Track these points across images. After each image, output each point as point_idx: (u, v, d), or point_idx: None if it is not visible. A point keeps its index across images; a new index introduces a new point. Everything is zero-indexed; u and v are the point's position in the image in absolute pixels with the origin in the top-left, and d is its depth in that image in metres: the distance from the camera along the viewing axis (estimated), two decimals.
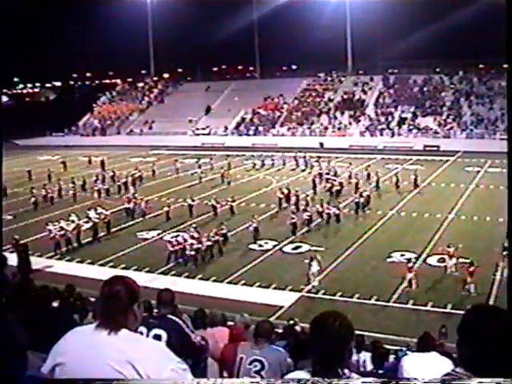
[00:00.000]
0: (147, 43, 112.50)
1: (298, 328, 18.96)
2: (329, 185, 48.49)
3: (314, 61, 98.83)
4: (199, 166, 59.49)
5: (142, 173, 57.43)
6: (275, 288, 29.00)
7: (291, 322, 20.05)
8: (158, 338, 5.79)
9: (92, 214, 41.44)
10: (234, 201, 43.56)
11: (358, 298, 27.14)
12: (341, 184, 47.98)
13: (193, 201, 43.40)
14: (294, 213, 38.94)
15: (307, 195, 45.09)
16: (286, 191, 45.00)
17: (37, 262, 33.45)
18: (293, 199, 43.47)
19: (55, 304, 9.28)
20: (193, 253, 33.01)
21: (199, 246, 33.34)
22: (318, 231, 38.12)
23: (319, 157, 61.27)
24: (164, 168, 63.14)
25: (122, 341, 3.57)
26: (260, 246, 35.43)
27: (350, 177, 50.64)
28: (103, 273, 31.35)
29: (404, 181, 50.07)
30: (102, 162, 64.75)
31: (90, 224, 39.13)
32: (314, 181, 49.38)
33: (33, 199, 48.17)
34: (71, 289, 15.23)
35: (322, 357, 3.69)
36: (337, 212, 39.63)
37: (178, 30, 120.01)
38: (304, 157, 61.54)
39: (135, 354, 3.50)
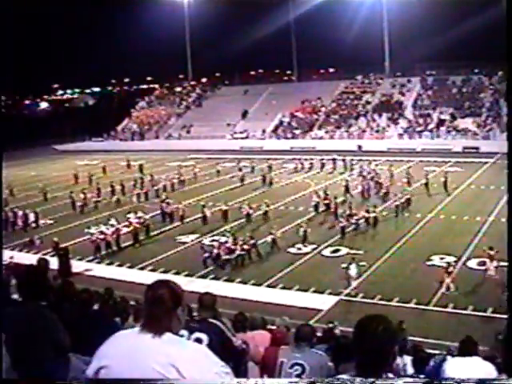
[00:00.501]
0: (185, 48, 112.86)
1: (337, 331, 18.90)
2: (374, 189, 48.50)
3: (352, 63, 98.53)
4: (239, 169, 59.81)
5: (183, 177, 57.68)
6: (314, 291, 28.96)
7: (330, 325, 19.99)
8: (199, 341, 5.82)
9: (132, 217, 41.83)
10: (268, 205, 43.49)
11: (398, 302, 26.98)
12: (387, 187, 47.74)
13: (227, 205, 43.48)
14: (343, 216, 38.57)
15: (345, 200, 44.98)
16: (322, 194, 44.77)
17: (77, 266, 33.84)
18: (332, 203, 43.21)
19: (96, 307, 9.35)
20: (227, 257, 33.12)
21: (234, 250, 33.44)
22: (358, 234, 37.97)
23: (359, 160, 61.04)
24: (204, 171, 63.42)
25: (166, 344, 3.63)
26: (299, 249, 35.40)
27: (390, 179, 50.41)
28: (142, 276, 31.65)
29: (442, 183, 49.60)
30: (141, 166, 65.31)
31: (130, 228, 39.46)
32: (362, 185, 49.21)
33: (78, 203, 48.90)
34: (110, 292, 15.35)
35: (366, 361, 3.70)
36: (375, 215, 39.45)
37: (215, 34, 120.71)
38: (343, 160, 61.46)
39: (179, 357, 3.55)
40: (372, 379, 3.44)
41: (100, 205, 49.69)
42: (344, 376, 3.81)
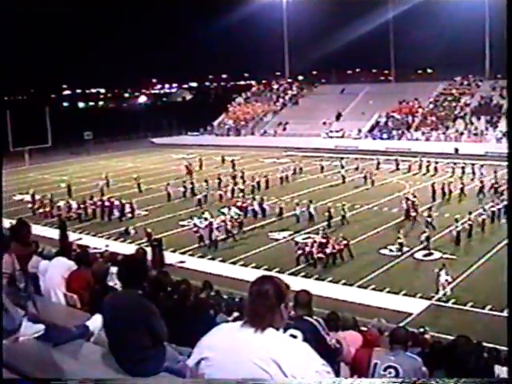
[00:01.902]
0: (282, 45, 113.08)
1: (427, 336, 18.65)
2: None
3: (450, 64, 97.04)
4: (342, 166, 60.11)
5: (282, 173, 57.80)
6: (405, 294, 28.66)
7: (421, 329, 19.73)
8: (293, 338, 5.84)
9: (226, 212, 42.24)
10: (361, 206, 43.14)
11: (490, 310, 26.38)
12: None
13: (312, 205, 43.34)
14: (457, 220, 37.69)
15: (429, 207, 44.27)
16: (411, 198, 43.54)
17: (169, 257, 34.37)
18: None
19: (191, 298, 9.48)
20: (320, 255, 33.09)
21: (327, 249, 33.40)
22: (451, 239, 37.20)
23: (454, 163, 60.02)
24: (305, 168, 63.63)
25: (268, 339, 3.64)
26: (391, 251, 35.06)
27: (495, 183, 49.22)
28: (234, 271, 31.99)
29: None
30: (233, 162, 65.84)
31: (223, 222, 39.82)
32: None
33: (178, 193, 50.92)
34: (209, 285, 15.53)
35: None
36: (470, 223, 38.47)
37: (313, 32, 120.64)
38: (436, 162, 60.69)
39: (281, 352, 3.57)
40: None
41: (194, 198, 50.28)
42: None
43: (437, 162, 60.94)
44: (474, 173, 54.62)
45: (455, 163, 59.38)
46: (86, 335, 6.02)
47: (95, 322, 6.14)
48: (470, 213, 38.71)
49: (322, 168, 63.15)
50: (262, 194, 49.60)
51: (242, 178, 55.72)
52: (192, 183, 53.00)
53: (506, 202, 42.25)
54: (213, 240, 37.59)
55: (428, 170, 60.00)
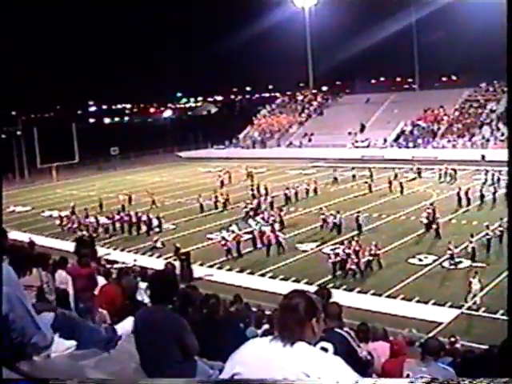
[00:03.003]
0: (306, 56, 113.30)
1: (458, 346, 18.53)
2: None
3: (475, 70, 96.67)
4: (370, 176, 60.50)
5: (307, 185, 57.41)
6: (434, 303, 28.48)
7: (452, 339, 19.59)
8: (324, 350, 5.79)
9: (252, 223, 42.29)
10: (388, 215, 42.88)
11: None
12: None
13: (334, 217, 42.99)
14: (488, 227, 36.87)
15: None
16: (430, 211, 42.48)
17: (197, 271, 34.41)
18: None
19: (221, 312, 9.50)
20: (353, 266, 32.97)
21: (358, 259, 33.28)
22: (481, 247, 36.81)
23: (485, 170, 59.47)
24: (327, 179, 63.45)
25: (298, 353, 3.63)
26: (420, 260, 34.88)
27: None
28: (264, 283, 32.01)
29: None
30: (250, 174, 66.49)
31: (250, 235, 39.87)
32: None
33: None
34: (239, 299, 15.59)
35: None
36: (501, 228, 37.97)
37: (335, 42, 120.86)
38: (463, 169, 60.40)
39: (312, 366, 3.56)
40: None
41: (223, 211, 50.60)
42: None
43: (464, 170, 60.64)
44: (498, 180, 53.94)
45: (486, 170, 58.51)
46: (114, 339, 6.06)
47: (125, 327, 6.19)
48: (502, 219, 38.24)
49: (350, 177, 62.98)
50: (293, 205, 49.75)
51: (264, 190, 55.80)
52: (227, 195, 53.03)
53: None
54: (241, 253, 37.66)
55: (455, 178, 59.52)
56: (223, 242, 38.33)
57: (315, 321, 3.79)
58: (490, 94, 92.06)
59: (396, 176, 59.29)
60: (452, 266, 33.47)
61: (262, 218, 43.95)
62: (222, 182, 63.46)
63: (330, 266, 33.26)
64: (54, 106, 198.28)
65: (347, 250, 33.97)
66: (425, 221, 41.26)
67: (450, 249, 34.31)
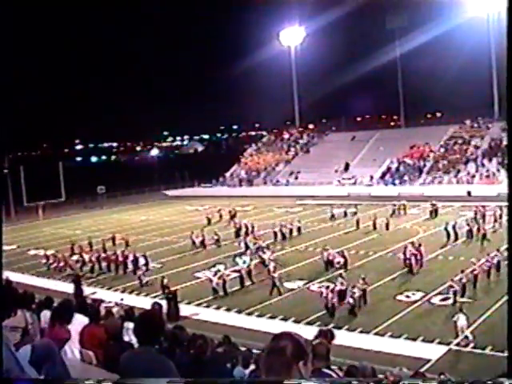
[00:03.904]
0: (292, 94, 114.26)
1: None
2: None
3: (460, 107, 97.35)
4: (355, 213, 61.26)
5: (293, 224, 57.00)
6: (423, 340, 28.36)
7: (442, 376, 19.48)
8: None
9: (239, 262, 42.23)
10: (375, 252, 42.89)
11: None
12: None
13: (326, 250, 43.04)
14: (474, 263, 37.15)
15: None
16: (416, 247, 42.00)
17: (184, 310, 34.23)
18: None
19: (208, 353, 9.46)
20: (351, 300, 32.83)
21: (349, 298, 33.13)
22: (467, 282, 36.77)
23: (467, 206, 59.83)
24: (312, 217, 63.47)
25: None
26: (407, 296, 34.82)
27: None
28: (251, 322, 31.85)
29: None
30: (231, 213, 66.61)
31: (236, 273, 39.77)
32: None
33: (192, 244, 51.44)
34: (228, 339, 15.53)
35: None
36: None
37: (321, 80, 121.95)
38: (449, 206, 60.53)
39: None
40: None
41: (210, 249, 50.51)
42: None
43: (450, 206, 60.82)
44: (483, 216, 54.08)
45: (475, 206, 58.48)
46: None
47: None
48: (488, 254, 38.35)
49: (334, 216, 62.99)
50: (279, 244, 49.82)
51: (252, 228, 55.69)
52: (202, 235, 52.76)
53: None
54: (227, 292, 37.51)
55: (439, 214, 59.76)
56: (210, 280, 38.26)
57: (302, 364, 3.74)
58: (475, 131, 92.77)
59: (392, 214, 59.90)
60: (442, 302, 33.43)
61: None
62: (209, 220, 63.44)
63: (326, 304, 32.98)
64: (40, 144, 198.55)
65: (340, 287, 33.87)
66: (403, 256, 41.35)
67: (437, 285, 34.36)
